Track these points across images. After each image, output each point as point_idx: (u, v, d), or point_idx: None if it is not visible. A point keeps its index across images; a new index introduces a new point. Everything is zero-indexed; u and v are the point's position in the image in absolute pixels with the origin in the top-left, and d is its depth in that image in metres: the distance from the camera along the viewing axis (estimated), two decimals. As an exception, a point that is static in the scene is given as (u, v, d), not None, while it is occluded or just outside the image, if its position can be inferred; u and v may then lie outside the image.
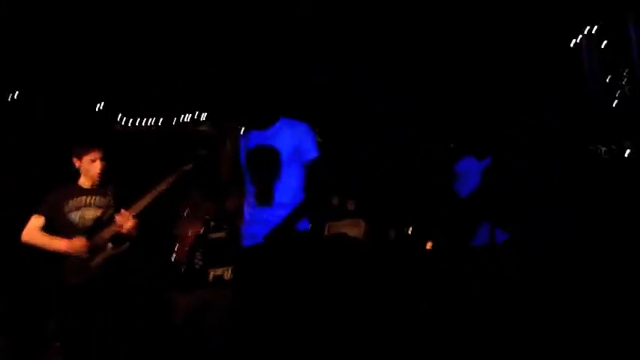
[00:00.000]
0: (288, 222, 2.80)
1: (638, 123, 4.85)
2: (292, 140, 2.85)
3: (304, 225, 2.86)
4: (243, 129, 3.12)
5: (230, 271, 4.93)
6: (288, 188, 2.84)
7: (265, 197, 2.84)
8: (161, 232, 5.00)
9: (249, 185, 2.94)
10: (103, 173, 3.30)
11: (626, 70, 5.11)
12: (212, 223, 5.19)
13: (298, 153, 2.85)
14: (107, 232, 3.21)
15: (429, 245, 5.19)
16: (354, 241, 5.29)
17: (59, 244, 3.15)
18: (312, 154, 2.85)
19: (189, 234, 5.09)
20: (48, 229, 3.24)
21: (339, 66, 2.86)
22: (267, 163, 2.86)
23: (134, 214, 3.22)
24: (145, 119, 8.06)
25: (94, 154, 3.28)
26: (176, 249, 5.14)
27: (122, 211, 3.20)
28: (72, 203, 3.25)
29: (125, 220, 3.19)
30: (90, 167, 3.28)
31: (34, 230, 3.22)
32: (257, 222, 2.86)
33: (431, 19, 6.24)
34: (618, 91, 5.13)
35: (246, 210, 2.94)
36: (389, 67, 6.67)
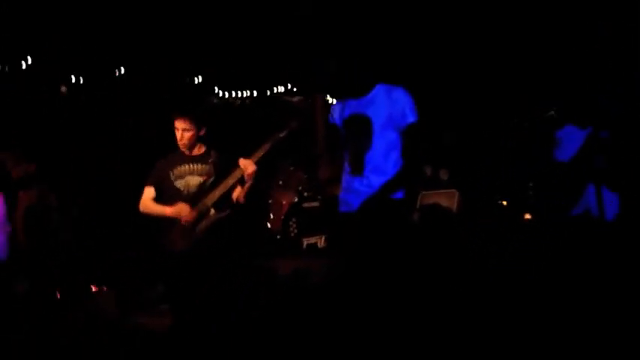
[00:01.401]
0: (382, 192, 2.78)
1: None
2: (388, 106, 2.79)
3: (399, 194, 2.83)
4: (334, 99, 3.12)
5: (323, 239, 5.03)
6: (382, 157, 2.80)
7: (356, 167, 2.84)
8: (257, 200, 5.16)
9: (346, 154, 2.95)
10: (185, 143, 3.36)
11: None
12: (305, 193, 5.29)
13: (394, 119, 2.78)
14: (210, 199, 3.33)
15: (527, 216, 5.01)
16: (448, 211, 5.22)
17: (167, 210, 3.32)
18: (409, 118, 2.77)
19: (284, 203, 5.23)
20: (158, 197, 3.41)
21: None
22: (360, 132, 2.83)
23: (255, 161, 3.29)
24: (239, 92, 8.33)
25: (177, 123, 3.35)
26: (271, 218, 5.30)
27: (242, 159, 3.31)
28: (177, 171, 3.39)
29: (248, 165, 3.28)
30: (176, 135, 3.39)
31: (147, 200, 3.42)
32: (351, 191, 2.87)
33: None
34: None
35: (344, 178, 2.95)
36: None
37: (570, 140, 3.88)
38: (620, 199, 3.72)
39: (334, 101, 3.10)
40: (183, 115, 3.34)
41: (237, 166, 3.31)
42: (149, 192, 3.42)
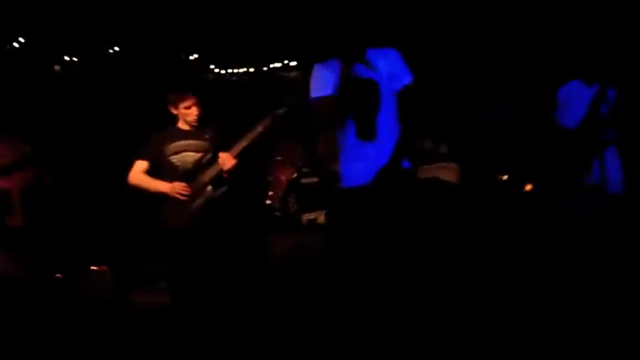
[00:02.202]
0: (393, 159, 2.69)
1: None
2: (385, 68, 2.72)
3: (406, 163, 2.74)
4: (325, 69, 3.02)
5: (323, 215, 4.99)
6: (391, 119, 2.72)
7: (369, 131, 2.72)
8: (256, 177, 5.11)
9: (348, 124, 2.86)
10: (199, 118, 3.38)
11: None
12: (304, 169, 5.25)
13: (393, 80, 2.72)
14: (207, 175, 3.30)
15: (528, 187, 4.95)
16: (448, 185, 5.17)
17: (162, 186, 3.28)
18: (406, 79, 2.72)
19: (283, 179, 5.18)
20: (151, 172, 3.37)
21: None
22: (366, 96, 2.72)
23: (234, 155, 3.30)
24: (236, 68, 8.24)
25: (188, 101, 3.35)
26: (270, 194, 5.26)
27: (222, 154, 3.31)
28: (172, 147, 3.35)
29: (227, 160, 3.28)
30: (186, 113, 3.37)
31: (138, 173, 3.37)
32: (360, 159, 2.74)
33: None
34: None
35: (347, 149, 2.81)
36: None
37: (573, 100, 3.76)
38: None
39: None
40: (192, 93, 3.38)
41: (235, 141, 3.29)
42: (141, 165, 3.38)
